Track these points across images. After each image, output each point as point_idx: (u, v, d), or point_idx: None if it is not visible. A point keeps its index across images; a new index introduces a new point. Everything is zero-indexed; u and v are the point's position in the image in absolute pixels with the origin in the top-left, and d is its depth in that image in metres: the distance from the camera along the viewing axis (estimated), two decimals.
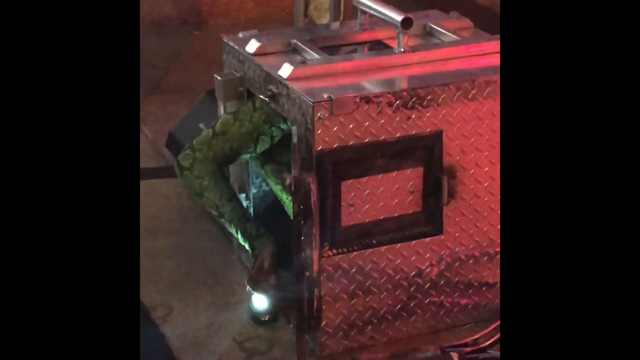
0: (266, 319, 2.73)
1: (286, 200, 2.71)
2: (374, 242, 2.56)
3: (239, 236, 2.65)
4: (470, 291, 2.70)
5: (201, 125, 3.50)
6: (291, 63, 2.57)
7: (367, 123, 2.46)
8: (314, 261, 2.33)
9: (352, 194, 2.50)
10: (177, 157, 2.72)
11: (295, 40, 2.76)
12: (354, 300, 2.58)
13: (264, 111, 2.66)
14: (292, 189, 2.27)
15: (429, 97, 2.50)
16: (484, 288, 2.71)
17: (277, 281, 2.54)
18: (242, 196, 2.96)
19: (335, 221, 2.50)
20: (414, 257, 2.61)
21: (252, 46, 2.76)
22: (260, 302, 2.70)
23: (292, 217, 2.71)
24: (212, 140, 2.69)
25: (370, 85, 2.52)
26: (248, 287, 2.65)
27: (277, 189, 2.74)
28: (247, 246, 2.63)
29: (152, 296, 2.92)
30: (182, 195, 3.57)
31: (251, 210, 2.93)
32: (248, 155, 2.70)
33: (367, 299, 2.59)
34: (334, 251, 2.52)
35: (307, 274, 2.31)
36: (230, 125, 2.70)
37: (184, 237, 3.28)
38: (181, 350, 2.64)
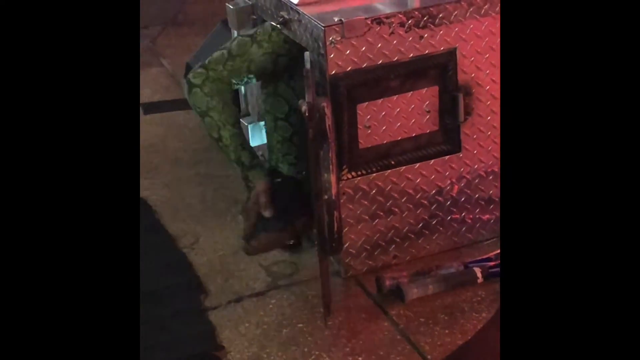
0: (291, 243, 2.77)
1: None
2: (393, 162, 2.58)
3: (234, 163, 2.64)
4: (491, 206, 2.73)
5: None
6: None
7: (379, 45, 2.46)
8: (332, 184, 2.35)
9: (369, 117, 2.52)
10: (187, 75, 2.68)
11: None
12: (376, 221, 2.61)
13: (282, 31, 2.65)
14: (307, 114, 2.28)
15: (440, 15, 2.49)
16: None
17: (272, 214, 2.53)
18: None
19: (353, 144, 2.52)
20: (433, 176, 2.63)
21: None
22: None
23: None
24: (227, 61, 2.64)
25: (381, 6, 2.51)
26: (242, 217, 2.66)
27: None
28: (241, 173, 2.64)
29: (178, 225, 2.97)
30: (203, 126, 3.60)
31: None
32: (254, 80, 2.69)
33: (388, 219, 2.62)
34: (353, 174, 2.54)
35: (326, 197, 2.34)
36: (249, 46, 2.65)
37: (207, 167, 3.32)
38: (208, 276, 2.70)
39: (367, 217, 2.60)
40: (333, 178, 2.36)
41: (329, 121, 2.35)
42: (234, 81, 2.66)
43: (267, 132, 2.83)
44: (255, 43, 2.65)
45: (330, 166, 2.35)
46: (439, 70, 2.54)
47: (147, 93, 3.93)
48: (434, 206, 2.66)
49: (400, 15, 2.46)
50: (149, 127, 3.64)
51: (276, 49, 2.64)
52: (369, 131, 2.53)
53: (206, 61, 2.67)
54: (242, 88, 3.17)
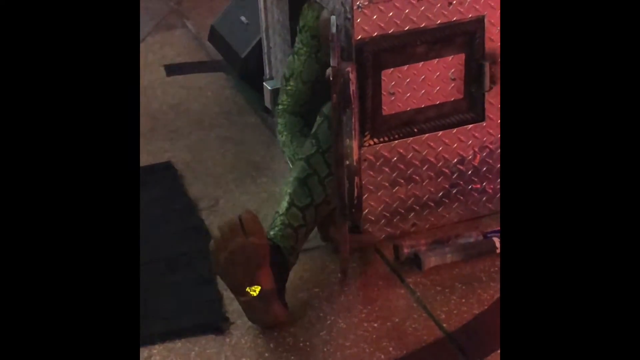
0: None
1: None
2: (416, 130, 2.57)
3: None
4: None
5: (242, 18, 3.50)
6: None
7: (407, 10, 2.44)
8: (354, 150, 2.34)
9: (393, 83, 2.50)
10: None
11: None
12: (396, 188, 2.60)
13: (308, 27, 2.66)
14: (331, 79, 2.26)
15: None
16: None
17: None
18: None
19: (376, 110, 2.51)
20: (455, 145, 2.62)
21: None
22: None
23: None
24: (286, 87, 2.77)
25: None
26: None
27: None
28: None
29: (198, 188, 2.96)
30: (226, 89, 3.59)
31: None
32: None
33: (409, 187, 2.61)
34: (375, 140, 2.53)
35: (347, 162, 2.32)
36: (292, 62, 2.74)
37: (228, 130, 3.31)
38: None
39: (387, 185, 2.59)
40: (355, 144, 2.35)
41: (353, 86, 2.33)
42: (303, 103, 2.73)
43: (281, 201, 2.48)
44: (295, 55, 2.73)
45: (353, 132, 2.33)
46: (467, 37, 2.52)
47: (170, 54, 3.92)
48: (455, 175, 2.65)
49: None
50: (171, 88, 3.63)
51: (311, 47, 2.68)
52: (393, 98, 2.51)
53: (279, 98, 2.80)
54: (266, 51, 3.15)
